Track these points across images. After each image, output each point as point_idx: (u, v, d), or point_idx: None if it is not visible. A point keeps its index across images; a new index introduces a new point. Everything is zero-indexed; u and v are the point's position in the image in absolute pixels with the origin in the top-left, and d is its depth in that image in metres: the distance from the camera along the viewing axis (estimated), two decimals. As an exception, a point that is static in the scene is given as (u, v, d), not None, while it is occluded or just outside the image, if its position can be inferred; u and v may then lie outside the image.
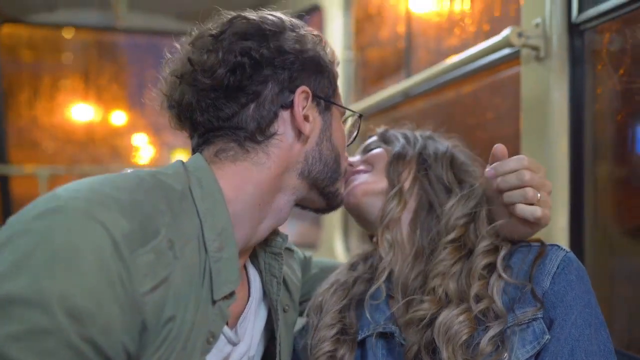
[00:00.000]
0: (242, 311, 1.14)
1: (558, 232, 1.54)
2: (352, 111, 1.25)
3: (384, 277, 1.23)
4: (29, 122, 5.02)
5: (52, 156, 5.07)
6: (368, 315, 1.23)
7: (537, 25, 1.56)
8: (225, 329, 1.04)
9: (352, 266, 1.37)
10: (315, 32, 1.15)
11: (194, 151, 1.10)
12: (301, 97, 1.07)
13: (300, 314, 1.48)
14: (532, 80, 1.61)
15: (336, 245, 3.10)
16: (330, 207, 1.22)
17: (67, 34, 5.09)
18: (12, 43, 5.00)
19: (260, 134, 1.06)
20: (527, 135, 1.63)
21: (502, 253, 1.13)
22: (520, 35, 1.55)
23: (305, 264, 1.53)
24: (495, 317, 1.08)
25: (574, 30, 1.53)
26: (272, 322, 1.23)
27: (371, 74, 3.25)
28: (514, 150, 1.71)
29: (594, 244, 1.62)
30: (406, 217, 1.29)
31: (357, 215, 1.36)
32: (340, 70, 1.21)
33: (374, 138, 1.46)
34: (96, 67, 5.24)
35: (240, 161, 1.06)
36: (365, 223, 1.37)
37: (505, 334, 1.06)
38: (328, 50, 1.16)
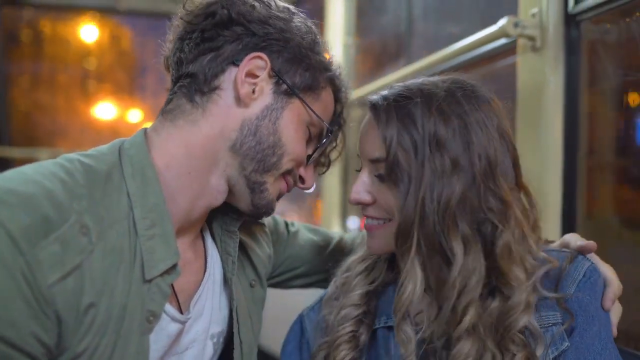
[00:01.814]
0: (198, 288, 1.13)
1: (551, 221, 1.56)
2: (321, 119, 1.15)
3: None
4: (30, 106, 5.03)
5: (52, 139, 5.08)
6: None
7: (533, 15, 1.56)
8: (168, 306, 1.02)
9: None
10: (319, 40, 1.15)
11: (161, 111, 1.12)
12: (252, 62, 1.06)
13: (284, 287, 1.48)
14: (528, 70, 1.61)
15: (333, 225, 3.12)
16: (255, 207, 1.12)
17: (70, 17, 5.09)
18: (13, 25, 4.99)
19: (206, 84, 1.06)
20: (522, 125, 1.64)
21: (541, 273, 1.07)
22: (516, 25, 1.55)
23: (287, 239, 1.47)
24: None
25: (570, 20, 1.54)
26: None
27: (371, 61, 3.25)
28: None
29: (587, 233, 1.64)
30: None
31: None
32: (340, 55, 1.21)
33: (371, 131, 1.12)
34: (99, 49, 5.24)
35: (179, 119, 1.06)
36: None
37: (524, 334, 1.04)
38: (321, 57, 1.14)
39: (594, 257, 1.11)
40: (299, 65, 1.10)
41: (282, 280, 1.48)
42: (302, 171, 1.17)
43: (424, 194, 1.03)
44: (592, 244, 1.09)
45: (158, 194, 0.99)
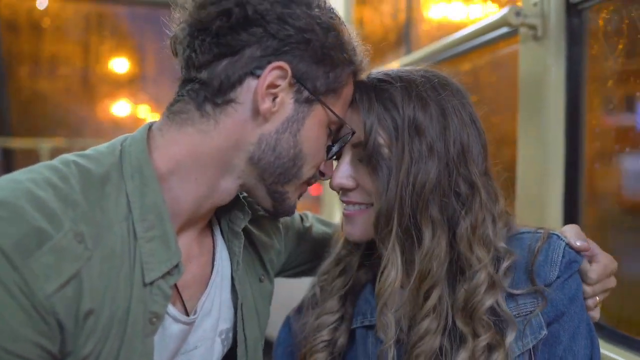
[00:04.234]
0: (206, 284, 1.10)
1: (552, 209, 1.57)
2: (344, 121, 1.09)
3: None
4: (30, 95, 5.03)
5: (54, 129, 5.08)
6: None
7: (535, 4, 1.56)
8: (170, 308, 0.99)
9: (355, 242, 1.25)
10: (341, 27, 1.04)
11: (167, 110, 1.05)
12: (274, 72, 0.96)
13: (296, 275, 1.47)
14: (530, 59, 1.61)
15: (336, 216, 3.13)
16: (276, 211, 1.10)
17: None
18: (12, 15, 4.98)
19: (220, 95, 0.97)
20: (523, 114, 1.64)
21: (503, 268, 1.07)
22: (518, 14, 1.55)
23: (302, 233, 1.44)
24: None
25: (571, 9, 1.53)
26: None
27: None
28: (510, 129, 1.73)
29: (589, 221, 1.65)
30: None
31: None
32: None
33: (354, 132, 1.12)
34: (97, 38, 5.23)
35: (188, 126, 0.99)
36: None
37: (503, 323, 1.05)
38: (347, 51, 1.05)
39: (593, 245, 1.11)
40: (322, 68, 1.01)
41: (296, 272, 1.47)
42: (321, 166, 1.11)
43: (403, 178, 1.06)
44: (586, 245, 1.09)
45: (157, 195, 0.95)
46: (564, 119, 1.56)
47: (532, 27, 1.57)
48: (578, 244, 1.08)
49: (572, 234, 1.11)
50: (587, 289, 1.08)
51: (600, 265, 1.09)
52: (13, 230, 0.79)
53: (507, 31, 1.71)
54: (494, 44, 1.92)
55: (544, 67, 1.56)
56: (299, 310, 1.35)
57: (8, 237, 0.79)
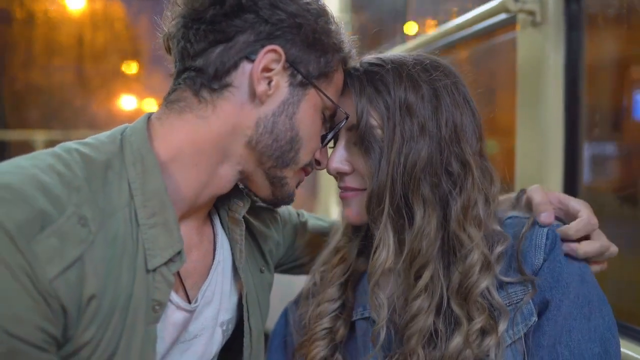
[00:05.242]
0: (208, 273, 1.12)
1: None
2: (337, 106, 1.12)
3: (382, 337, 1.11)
4: (24, 87, 4.99)
5: (48, 121, 5.05)
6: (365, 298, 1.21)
7: (533, -11, 1.54)
8: (173, 295, 1.01)
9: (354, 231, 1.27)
10: (330, 14, 1.08)
11: (164, 100, 1.08)
12: (268, 55, 1.00)
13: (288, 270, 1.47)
14: (528, 46, 1.60)
15: (332, 212, 3.11)
16: (275, 198, 1.12)
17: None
18: (5, 5, 4.94)
19: (216, 80, 1.00)
20: (522, 101, 1.63)
21: (497, 252, 1.08)
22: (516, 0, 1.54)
23: (299, 228, 1.47)
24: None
25: (570, -5, 1.52)
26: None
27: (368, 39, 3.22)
28: (509, 117, 1.71)
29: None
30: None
31: None
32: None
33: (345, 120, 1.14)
34: (92, 29, 5.19)
35: (186, 113, 1.01)
36: None
37: (495, 311, 1.05)
38: (336, 38, 1.08)
39: (565, 198, 1.13)
40: (313, 53, 1.05)
41: (294, 266, 1.48)
42: (316, 154, 1.14)
43: (394, 158, 1.06)
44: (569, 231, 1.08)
45: (158, 182, 0.96)
46: (563, 106, 1.54)
47: (531, 13, 1.55)
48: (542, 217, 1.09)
49: (539, 193, 1.13)
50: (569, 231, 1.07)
51: (586, 212, 1.09)
52: (17, 212, 0.80)
53: (505, 18, 1.69)
54: (492, 32, 1.90)
55: (542, 54, 1.54)
56: (297, 302, 1.36)
57: (12, 220, 0.79)
